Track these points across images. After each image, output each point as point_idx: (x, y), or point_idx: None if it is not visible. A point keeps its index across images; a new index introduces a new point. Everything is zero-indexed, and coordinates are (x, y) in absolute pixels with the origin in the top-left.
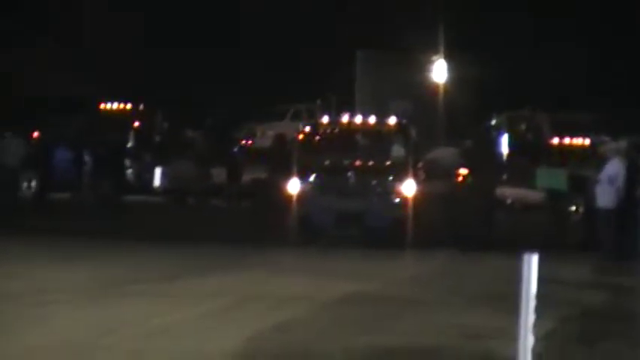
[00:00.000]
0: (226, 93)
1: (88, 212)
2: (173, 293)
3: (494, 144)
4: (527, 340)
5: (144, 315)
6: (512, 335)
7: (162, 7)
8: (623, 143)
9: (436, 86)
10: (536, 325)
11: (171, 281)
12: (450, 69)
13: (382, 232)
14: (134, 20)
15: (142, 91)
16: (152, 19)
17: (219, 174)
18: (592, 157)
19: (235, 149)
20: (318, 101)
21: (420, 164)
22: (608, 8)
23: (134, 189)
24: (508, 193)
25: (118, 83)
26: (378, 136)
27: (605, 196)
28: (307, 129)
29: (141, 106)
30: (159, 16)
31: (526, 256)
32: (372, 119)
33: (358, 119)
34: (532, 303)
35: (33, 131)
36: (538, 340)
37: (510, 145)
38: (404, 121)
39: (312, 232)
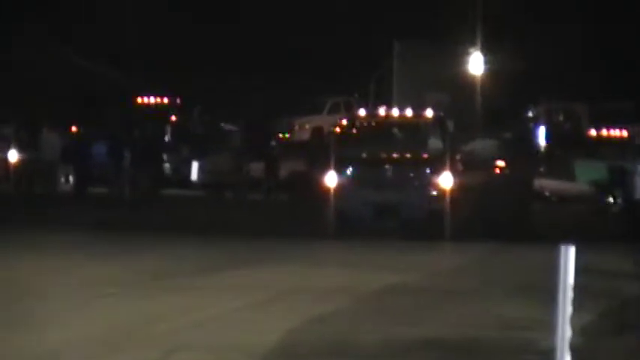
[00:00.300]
0: (264, 86)
1: (126, 206)
2: (213, 286)
3: (532, 136)
4: (565, 332)
5: (184, 308)
6: (550, 327)
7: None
8: None
9: (473, 78)
10: (574, 316)
11: (210, 275)
12: (487, 61)
13: (420, 225)
14: (173, 15)
15: (180, 84)
16: (192, 13)
17: (257, 168)
18: (631, 148)
19: (273, 143)
20: (356, 94)
21: (458, 156)
22: None
23: (172, 183)
24: (546, 185)
25: (156, 77)
26: (415, 128)
27: None
28: (344, 122)
29: (178, 100)
30: (198, 11)
31: (563, 247)
32: (408, 112)
33: (395, 112)
34: (569, 294)
35: (71, 125)
36: (575, 331)
37: (548, 136)
38: (441, 113)
39: (350, 224)
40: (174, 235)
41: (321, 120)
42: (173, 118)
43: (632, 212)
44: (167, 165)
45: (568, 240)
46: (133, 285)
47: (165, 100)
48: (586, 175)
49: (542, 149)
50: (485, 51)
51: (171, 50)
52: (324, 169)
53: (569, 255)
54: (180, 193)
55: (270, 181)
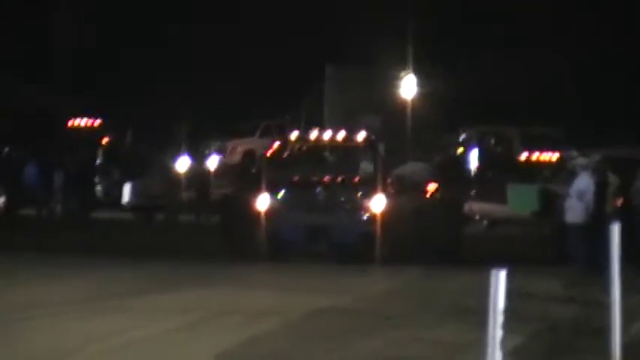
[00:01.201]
0: (196, 108)
1: (56, 228)
2: (143, 308)
3: (463, 159)
4: (495, 356)
5: (115, 330)
6: (481, 350)
7: (135, 22)
8: (592, 158)
9: (405, 101)
10: (504, 339)
11: (140, 297)
12: (419, 84)
13: (351, 248)
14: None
15: (111, 107)
16: (123, 32)
17: (188, 190)
18: (561, 172)
19: (206, 165)
20: (288, 117)
21: (389, 179)
22: (580, 21)
23: (103, 205)
24: (477, 208)
25: (87, 99)
26: (346, 151)
27: (574, 211)
28: (276, 145)
29: (109, 123)
30: (128, 33)
31: (494, 271)
32: (340, 135)
33: (327, 135)
34: (500, 318)
35: (1, 147)
36: (506, 355)
37: (479, 160)
38: (372, 136)
39: (281, 247)
40: (104, 257)
41: (253, 143)
42: (105, 140)
43: (562, 236)
44: (98, 187)
45: (499, 264)
46: (62, 307)
47: (97, 123)
48: (517, 198)
49: (474, 172)
50: (417, 74)
51: (103, 72)
52: (256, 191)
53: (500, 279)
54: (112, 215)
55: (201, 203)
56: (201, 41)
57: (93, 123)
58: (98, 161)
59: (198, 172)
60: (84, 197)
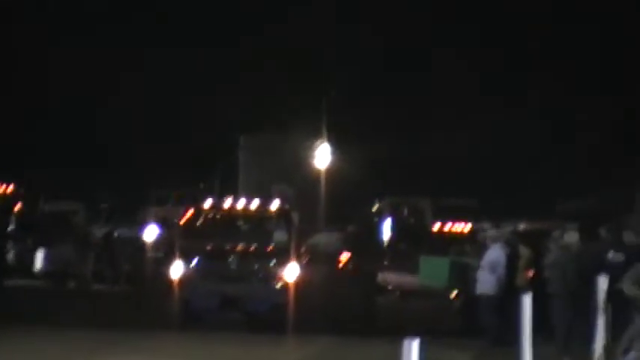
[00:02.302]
0: (109, 177)
1: None
2: None
3: (376, 229)
4: None
5: None
6: None
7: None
8: (503, 230)
9: (319, 170)
10: None
11: None
12: (334, 153)
13: (264, 317)
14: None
15: (23, 173)
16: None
17: (100, 258)
18: (473, 244)
19: (116, 234)
20: (201, 185)
21: (303, 249)
22: (488, 88)
23: (15, 272)
24: (389, 278)
25: None
26: (260, 220)
27: (486, 283)
28: (190, 213)
29: (22, 189)
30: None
31: (406, 342)
32: (254, 203)
33: (241, 203)
34: None
35: None
36: None
37: (392, 230)
38: (286, 205)
39: (194, 316)
40: (15, 325)
41: (167, 211)
42: (17, 206)
43: (473, 308)
44: (11, 254)
45: (411, 334)
46: None
47: (10, 189)
48: (428, 270)
49: (387, 243)
50: (333, 143)
51: (13, 137)
52: (168, 259)
53: (413, 349)
54: (24, 283)
55: (114, 271)
56: (113, 109)
57: (5, 189)
58: (10, 227)
59: (110, 239)
60: None
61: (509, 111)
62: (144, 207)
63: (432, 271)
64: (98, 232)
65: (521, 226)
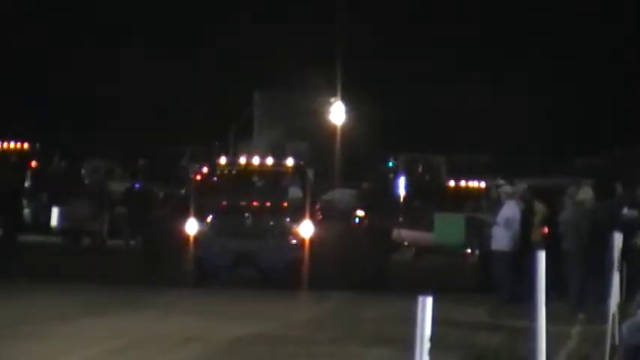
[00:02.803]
0: (125, 132)
1: None
2: (68, 334)
3: (391, 186)
4: None
5: (39, 356)
6: None
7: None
8: (518, 186)
9: (333, 127)
10: None
11: (66, 322)
12: (348, 110)
13: (279, 273)
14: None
15: (40, 130)
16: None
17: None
18: (488, 200)
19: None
20: (217, 142)
21: (317, 205)
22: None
23: (31, 229)
24: (404, 235)
25: (14, 122)
26: (275, 177)
27: (501, 239)
28: (205, 170)
29: (38, 146)
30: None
31: (420, 298)
32: (269, 161)
33: (256, 160)
34: (426, 345)
35: None
36: None
37: (407, 187)
38: (301, 162)
39: (208, 273)
40: (30, 282)
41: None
42: (33, 163)
43: (488, 264)
44: (26, 211)
45: (425, 290)
46: None
47: (25, 146)
48: (444, 227)
49: (402, 200)
50: (347, 101)
51: (31, 94)
52: (184, 216)
53: (427, 306)
54: (40, 239)
55: (129, 227)
56: (130, 66)
57: (21, 146)
58: (26, 184)
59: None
60: (10, 221)
61: (523, 63)
62: (162, 163)
63: (447, 228)
64: (119, 187)
65: (536, 183)
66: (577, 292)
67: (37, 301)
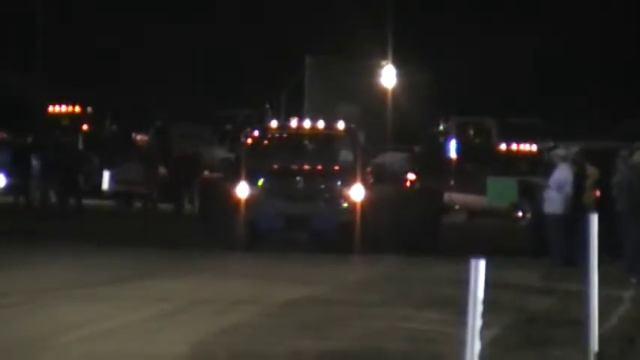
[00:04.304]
0: (175, 96)
1: (35, 215)
2: (120, 296)
3: (443, 149)
4: (474, 346)
5: (91, 318)
6: (459, 340)
7: (111, 8)
8: (570, 149)
9: (385, 91)
10: (483, 330)
11: (118, 285)
12: (399, 74)
13: (330, 237)
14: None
15: (91, 93)
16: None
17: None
18: (540, 163)
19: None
20: (267, 106)
21: (368, 169)
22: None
23: (83, 192)
24: (456, 198)
25: (66, 86)
26: (326, 140)
27: (553, 203)
28: (256, 133)
29: (89, 109)
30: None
31: (473, 261)
32: (320, 124)
33: (307, 124)
34: (479, 308)
35: None
36: (485, 345)
37: (458, 150)
38: (352, 125)
39: (259, 236)
40: (83, 245)
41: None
42: (85, 126)
43: (540, 227)
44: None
45: (477, 254)
46: (39, 295)
47: (77, 109)
48: (496, 191)
49: (453, 163)
50: (397, 64)
51: (80, 59)
52: (235, 179)
53: (480, 269)
54: (92, 202)
55: (182, 191)
56: (179, 31)
57: (73, 109)
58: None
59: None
60: (63, 184)
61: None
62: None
63: (500, 191)
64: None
65: (589, 145)
66: (631, 255)
67: (90, 264)
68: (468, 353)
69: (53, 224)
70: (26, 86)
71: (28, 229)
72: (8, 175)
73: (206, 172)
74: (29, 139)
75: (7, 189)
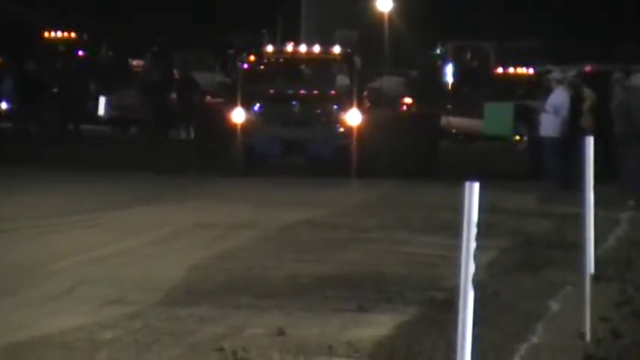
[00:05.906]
0: (170, 22)
1: (32, 141)
2: (116, 222)
3: (439, 73)
4: (469, 268)
5: (87, 244)
6: (455, 263)
7: None
8: (567, 72)
9: (381, 15)
10: (479, 253)
11: (113, 211)
12: None
13: (326, 161)
14: None
15: (86, 19)
16: None
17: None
18: (537, 87)
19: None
20: (264, 30)
21: (365, 93)
22: None
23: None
24: (453, 122)
25: (62, 11)
26: (322, 65)
27: (550, 126)
28: (252, 58)
29: (85, 35)
30: None
31: (467, 184)
32: (316, 48)
33: (303, 48)
34: (473, 230)
35: None
36: (480, 267)
37: (455, 74)
38: (348, 50)
39: (257, 161)
40: (79, 171)
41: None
42: (80, 52)
43: (537, 151)
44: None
45: (473, 177)
46: (38, 221)
47: (73, 35)
48: (493, 116)
49: (450, 87)
50: None
51: None
52: (231, 104)
53: (474, 191)
54: (88, 128)
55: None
56: None
57: (69, 35)
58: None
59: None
60: (59, 110)
61: None
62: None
63: (497, 117)
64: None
65: (586, 68)
66: (628, 177)
67: (84, 190)
68: (462, 276)
69: (54, 151)
70: (23, 11)
71: (24, 155)
72: (9, 101)
73: (208, 98)
74: (30, 65)
75: (11, 115)
